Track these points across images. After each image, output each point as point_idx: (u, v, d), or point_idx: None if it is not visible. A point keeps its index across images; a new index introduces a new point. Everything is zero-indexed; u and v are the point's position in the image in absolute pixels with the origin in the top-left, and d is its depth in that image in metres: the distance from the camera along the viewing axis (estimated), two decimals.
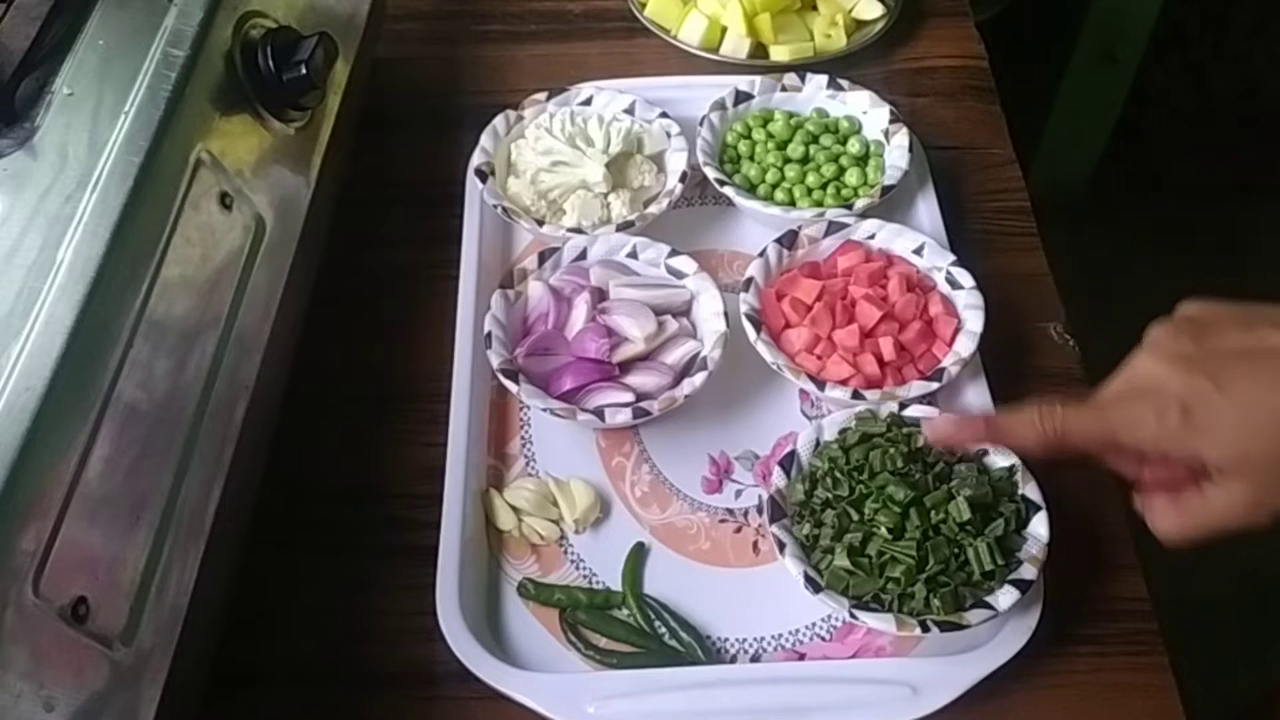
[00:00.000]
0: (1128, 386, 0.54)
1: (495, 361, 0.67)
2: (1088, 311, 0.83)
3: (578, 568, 0.65)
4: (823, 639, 0.62)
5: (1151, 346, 0.54)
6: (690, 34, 0.90)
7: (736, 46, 0.89)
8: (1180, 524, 0.54)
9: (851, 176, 0.78)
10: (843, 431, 0.64)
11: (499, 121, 0.80)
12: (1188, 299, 0.55)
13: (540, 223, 0.75)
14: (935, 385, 0.66)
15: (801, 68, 0.85)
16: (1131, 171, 1.89)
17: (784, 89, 0.83)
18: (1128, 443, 0.53)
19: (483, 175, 0.76)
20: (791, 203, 0.78)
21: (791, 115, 0.81)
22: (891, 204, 0.77)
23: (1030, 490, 0.61)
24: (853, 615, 0.57)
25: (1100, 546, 0.65)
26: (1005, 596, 0.57)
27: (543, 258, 0.73)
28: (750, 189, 0.79)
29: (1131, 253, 1.78)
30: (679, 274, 0.72)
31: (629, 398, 0.67)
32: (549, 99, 0.81)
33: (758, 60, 0.89)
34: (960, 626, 0.56)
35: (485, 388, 0.70)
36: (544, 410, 0.66)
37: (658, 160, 0.80)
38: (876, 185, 0.77)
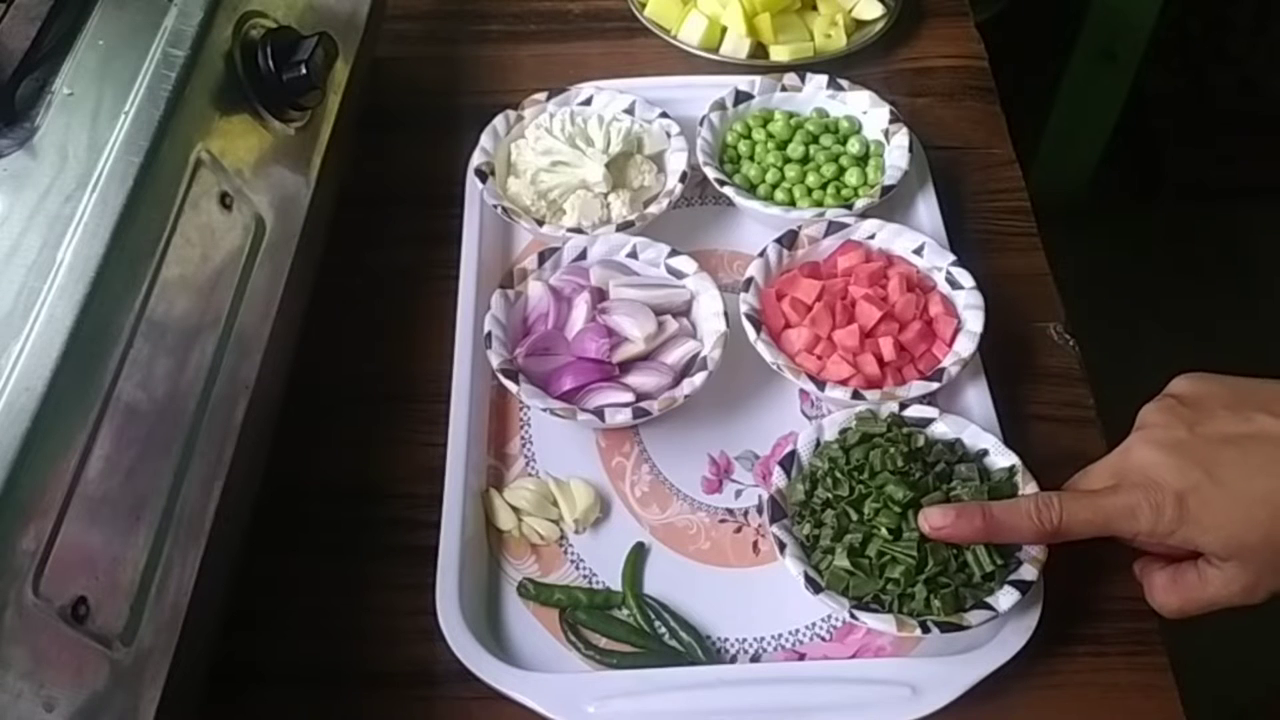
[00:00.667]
0: (1123, 477, 0.56)
1: (495, 361, 0.67)
2: (1088, 311, 0.83)
3: (578, 568, 0.65)
4: (823, 639, 0.62)
5: (1145, 432, 0.56)
6: (690, 34, 0.90)
7: (736, 46, 0.89)
8: (1178, 601, 0.56)
9: (851, 176, 0.78)
10: (843, 431, 0.64)
11: (499, 121, 0.80)
12: (1179, 376, 0.57)
13: (540, 223, 0.75)
14: (935, 385, 0.66)
15: (801, 68, 0.85)
16: (1131, 171, 1.90)
17: (784, 89, 0.83)
18: (1124, 534, 0.55)
19: (483, 175, 0.76)
20: (791, 203, 0.78)
21: (791, 115, 0.81)
22: (891, 204, 0.77)
23: (1031, 490, 0.61)
24: (853, 616, 0.57)
25: (1100, 546, 0.65)
26: (1005, 597, 0.57)
27: (543, 258, 0.73)
28: (750, 189, 0.79)
29: (1131, 253, 1.78)
30: (679, 274, 0.72)
31: (629, 398, 0.67)
32: (549, 99, 0.81)
33: (758, 60, 0.89)
34: (960, 627, 0.56)
35: (485, 388, 0.70)
36: (544, 410, 0.66)
37: (658, 160, 0.80)
38: (876, 185, 0.77)
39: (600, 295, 0.71)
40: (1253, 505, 0.52)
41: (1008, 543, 0.58)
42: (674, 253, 0.73)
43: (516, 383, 0.66)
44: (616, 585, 0.64)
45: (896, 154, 0.78)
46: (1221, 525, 0.52)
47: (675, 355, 0.69)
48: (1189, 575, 0.55)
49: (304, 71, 0.62)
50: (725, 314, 0.69)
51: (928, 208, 0.78)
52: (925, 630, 0.56)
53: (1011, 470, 0.62)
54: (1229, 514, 0.52)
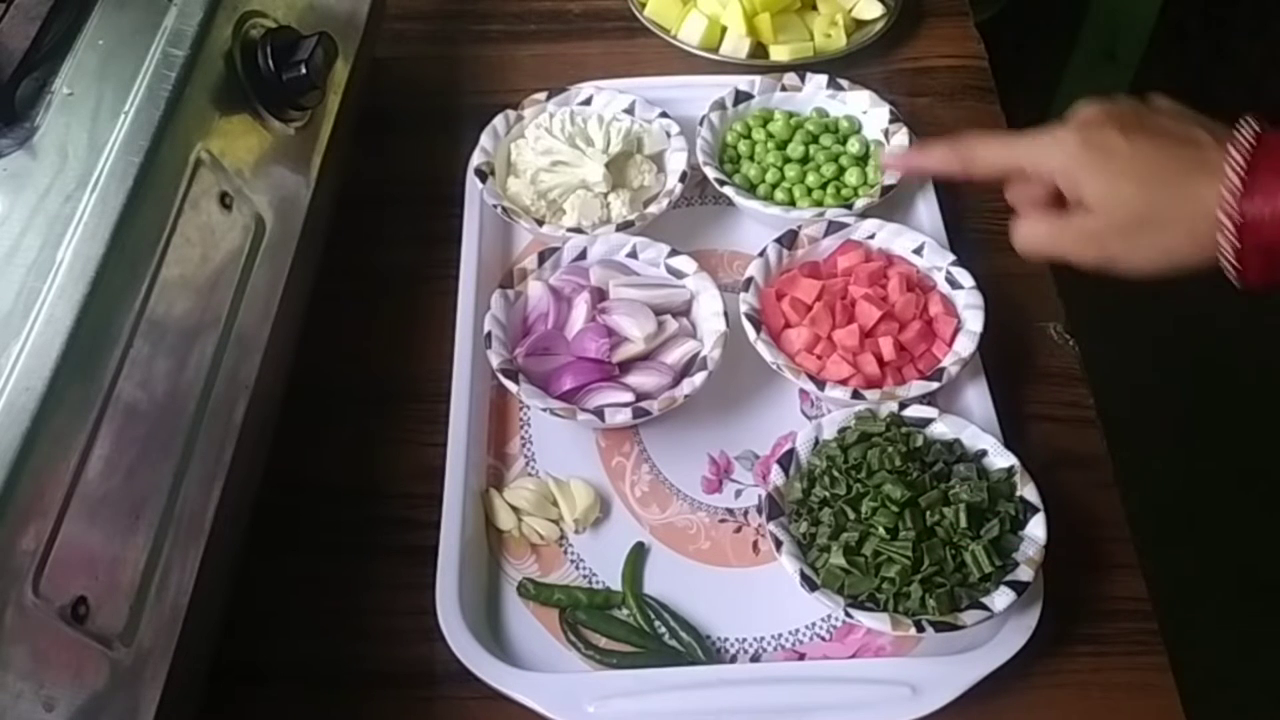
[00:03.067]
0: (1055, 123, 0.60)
1: (495, 361, 0.67)
2: (1088, 311, 0.83)
3: (578, 568, 0.65)
4: (822, 639, 0.62)
5: (1101, 99, 0.60)
6: (690, 34, 0.90)
7: (736, 46, 0.89)
8: (1040, 235, 0.60)
9: (851, 176, 0.78)
10: (842, 430, 0.64)
11: (499, 121, 0.80)
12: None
13: (540, 223, 0.75)
14: (935, 385, 0.66)
15: (801, 68, 0.85)
16: None
17: (784, 89, 0.83)
18: (1029, 166, 0.60)
19: (483, 175, 0.76)
20: (791, 202, 0.78)
21: (791, 115, 0.81)
22: (891, 204, 0.77)
23: (1029, 492, 0.61)
24: (848, 614, 0.57)
25: (1100, 546, 0.65)
26: (1001, 598, 0.57)
27: (543, 258, 0.73)
28: (750, 189, 0.79)
29: None
30: (679, 274, 0.72)
31: (629, 398, 0.67)
32: (549, 99, 0.81)
33: (758, 60, 0.89)
34: (955, 627, 0.56)
35: (485, 388, 0.70)
36: (544, 410, 0.66)
37: (658, 160, 0.80)
38: (876, 185, 0.77)
39: (600, 295, 0.71)
40: (1142, 176, 0.56)
41: (929, 172, 0.70)
42: (674, 253, 0.73)
43: (516, 382, 0.66)
44: (616, 585, 0.64)
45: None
46: (1109, 178, 0.56)
47: (675, 355, 0.69)
48: (1057, 216, 0.59)
49: (304, 71, 0.62)
50: (725, 314, 0.69)
51: (928, 207, 0.78)
52: (920, 629, 0.56)
53: (1010, 470, 0.62)
54: (1119, 170, 0.56)
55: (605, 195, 0.76)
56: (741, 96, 0.82)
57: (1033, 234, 0.61)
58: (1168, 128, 0.57)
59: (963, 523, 0.58)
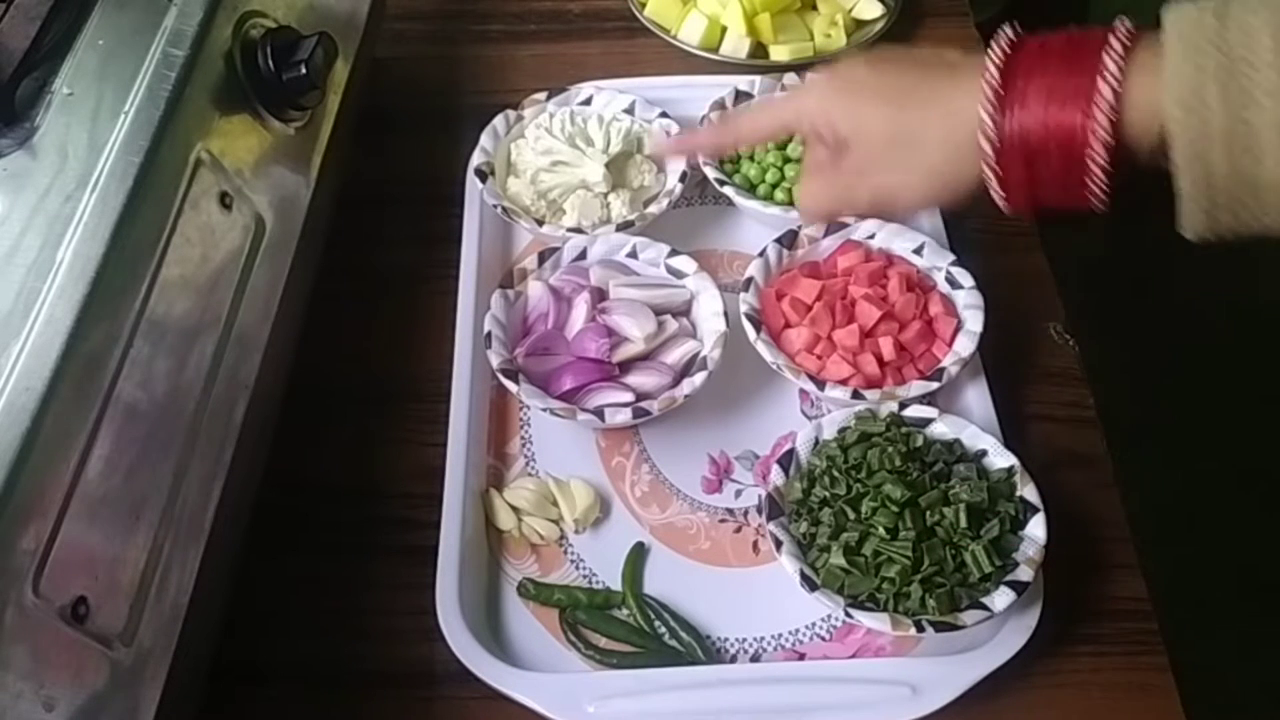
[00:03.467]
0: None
1: (495, 361, 0.67)
2: (1088, 311, 0.83)
3: (578, 568, 0.65)
4: (822, 639, 0.62)
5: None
6: (690, 34, 0.90)
7: (736, 46, 0.89)
8: (814, 190, 0.59)
9: None
10: (842, 430, 0.64)
11: (499, 121, 0.80)
12: None
13: (540, 223, 0.75)
14: (935, 385, 0.66)
15: (801, 68, 0.85)
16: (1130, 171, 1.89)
17: (784, 89, 0.83)
18: (793, 109, 0.59)
19: (483, 175, 0.76)
20: (791, 202, 0.78)
21: None
22: None
23: (1029, 492, 0.61)
24: (848, 614, 0.57)
25: (1100, 546, 0.65)
26: (1001, 598, 0.57)
27: (543, 258, 0.73)
28: (750, 189, 0.79)
29: (1131, 252, 1.78)
30: (679, 274, 0.72)
31: (629, 398, 0.67)
32: (549, 99, 0.81)
33: (758, 60, 0.89)
34: (955, 627, 0.56)
35: (485, 388, 0.70)
36: (544, 410, 0.66)
37: (658, 160, 0.80)
38: None
39: (600, 295, 0.71)
40: (886, 95, 0.54)
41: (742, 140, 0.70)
42: (674, 253, 0.73)
43: (516, 383, 0.66)
44: (616, 585, 0.64)
45: None
46: (853, 104, 0.55)
47: (675, 355, 0.69)
48: (827, 169, 0.58)
49: (304, 71, 0.62)
50: (725, 314, 0.69)
51: None
52: (920, 629, 0.56)
53: (1010, 470, 0.62)
54: (863, 97, 0.55)
55: (605, 195, 0.76)
56: (741, 96, 0.82)
57: (808, 192, 0.59)
58: (920, 56, 0.56)
59: (963, 523, 0.58)
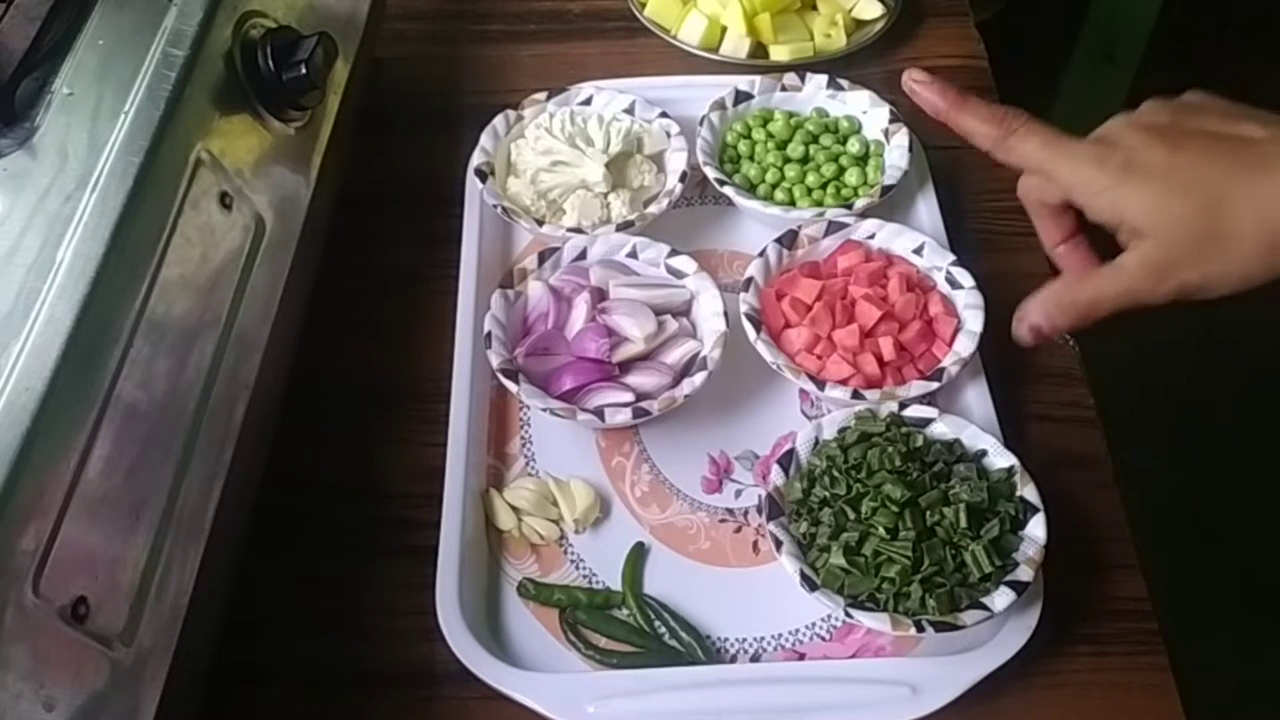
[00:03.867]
0: (1091, 135, 0.54)
1: (495, 361, 0.67)
2: None
3: (578, 568, 0.65)
4: (822, 639, 0.62)
5: (1134, 113, 0.54)
6: (690, 34, 0.90)
7: (736, 46, 0.89)
8: (1092, 291, 0.54)
9: (851, 176, 0.78)
10: (842, 430, 0.64)
11: (499, 121, 0.80)
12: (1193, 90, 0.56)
13: (540, 223, 0.75)
14: (935, 385, 0.66)
15: (801, 67, 0.85)
16: None
17: (784, 89, 0.83)
18: (1061, 177, 0.54)
19: (483, 175, 0.76)
20: (791, 202, 0.78)
21: (791, 115, 0.81)
22: (891, 204, 0.77)
23: (1029, 492, 0.61)
24: (848, 614, 0.57)
25: (1100, 546, 0.65)
26: (1001, 598, 0.57)
27: (543, 258, 0.73)
28: (750, 189, 0.79)
29: None
30: (679, 274, 0.72)
31: (629, 398, 0.67)
32: (549, 99, 0.81)
33: (758, 60, 0.89)
34: (955, 627, 0.56)
35: (485, 388, 0.70)
36: (544, 410, 0.66)
37: (658, 160, 0.80)
38: (876, 185, 0.77)
39: (600, 295, 0.71)
40: (1192, 187, 0.50)
41: (961, 129, 0.57)
42: (674, 253, 0.73)
43: (516, 383, 0.66)
44: (616, 585, 0.64)
45: (896, 154, 0.78)
46: (1156, 192, 0.51)
47: (675, 355, 0.69)
48: (1103, 267, 0.54)
49: (304, 71, 0.62)
50: (725, 314, 0.69)
51: (928, 207, 0.78)
52: (920, 629, 0.56)
53: (1010, 470, 0.62)
54: (1168, 184, 0.50)
55: (605, 195, 0.76)
56: (741, 96, 0.82)
57: (1084, 294, 0.54)
58: (1213, 128, 0.51)
59: (963, 523, 0.58)
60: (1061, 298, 0.56)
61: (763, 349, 0.67)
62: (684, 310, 0.72)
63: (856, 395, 0.65)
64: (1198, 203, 0.50)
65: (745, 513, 0.67)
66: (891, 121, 0.80)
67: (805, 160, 0.79)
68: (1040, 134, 0.55)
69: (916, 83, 0.58)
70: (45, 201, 0.49)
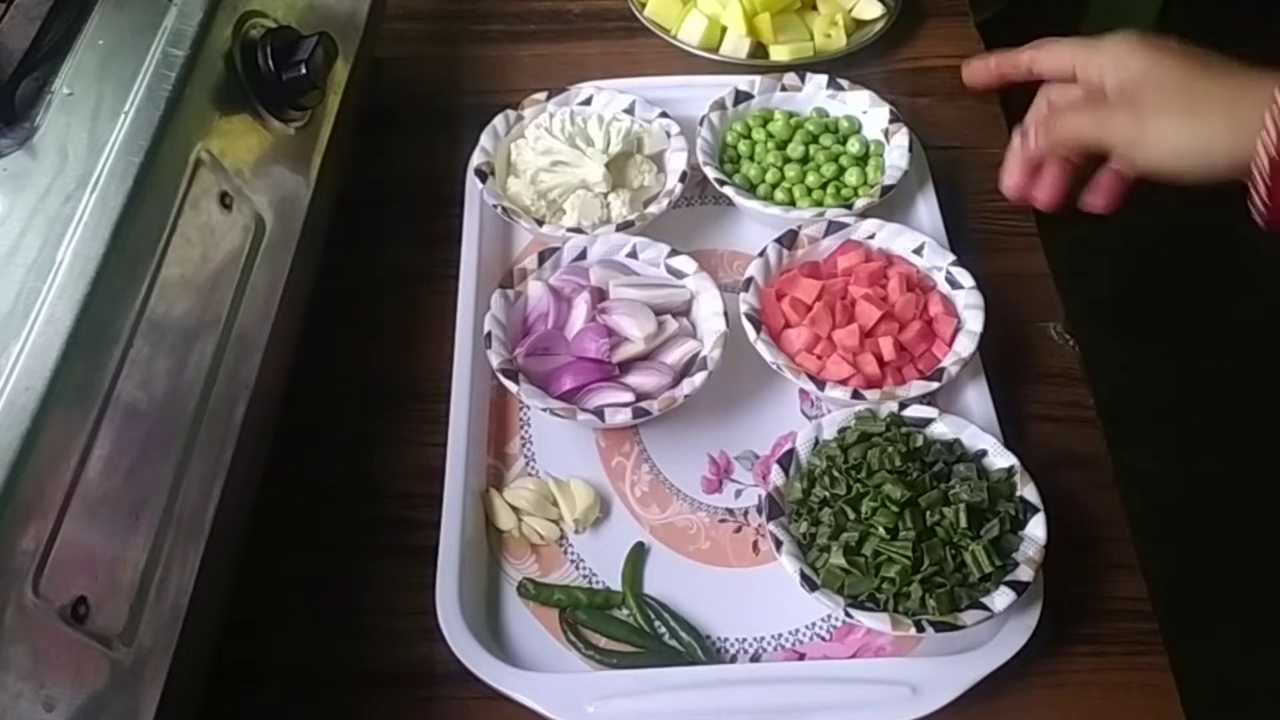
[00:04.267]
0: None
1: (495, 361, 0.67)
2: (1088, 311, 0.83)
3: (578, 568, 0.65)
4: (822, 639, 0.62)
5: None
6: (690, 34, 0.90)
7: (736, 46, 0.89)
8: (1079, 110, 0.61)
9: (851, 176, 0.78)
10: (842, 430, 0.64)
11: (499, 121, 0.80)
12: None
13: (540, 223, 0.75)
14: (935, 385, 0.66)
15: (801, 67, 0.85)
16: None
17: (784, 89, 0.83)
18: (1082, 61, 0.63)
19: (483, 175, 0.76)
20: (791, 202, 0.78)
21: (791, 115, 0.81)
22: (891, 204, 0.77)
23: (1029, 492, 0.61)
24: (848, 614, 0.57)
25: (1100, 546, 0.65)
26: (1001, 598, 0.57)
27: (543, 258, 0.73)
28: (750, 189, 0.79)
29: (1132, 253, 1.78)
30: (679, 274, 0.72)
31: (629, 398, 0.67)
32: (549, 99, 0.81)
33: (758, 60, 0.89)
34: (955, 627, 0.56)
35: (485, 388, 0.70)
36: (544, 410, 0.66)
37: (658, 160, 0.80)
38: (876, 185, 0.77)
39: (600, 295, 0.71)
40: (1196, 63, 0.57)
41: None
42: (674, 253, 0.73)
43: (516, 383, 0.66)
44: (616, 585, 0.64)
45: (896, 154, 0.78)
46: (1160, 54, 0.58)
47: (675, 355, 0.69)
48: (1087, 104, 0.61)
49: (304, 71, 0.62)
50: (725, 314, 0.69)
51: (928, 207, 0.78)
52: (920, 629, 0.56)
53: (1010, 470, 0.62)
54: (1172, 56, 0.58)
55: (605, 195, 0.76)
56: (741, 96, 0.82)
57: (1069, 121, 0.60)
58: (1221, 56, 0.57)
59: (963, 523, 0.58)
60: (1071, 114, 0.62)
61: (763, 349, 0.67)
62: (684, 310, 0.72)
63: (856, 395, 0.65)
64: (1191, 71, 0.56)
65: (745, 513, 0.67)
66: (891, 121, 0.80)
67: (805, 160, 0.79)
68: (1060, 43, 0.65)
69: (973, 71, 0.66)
70: (45, 201, 0.49)
